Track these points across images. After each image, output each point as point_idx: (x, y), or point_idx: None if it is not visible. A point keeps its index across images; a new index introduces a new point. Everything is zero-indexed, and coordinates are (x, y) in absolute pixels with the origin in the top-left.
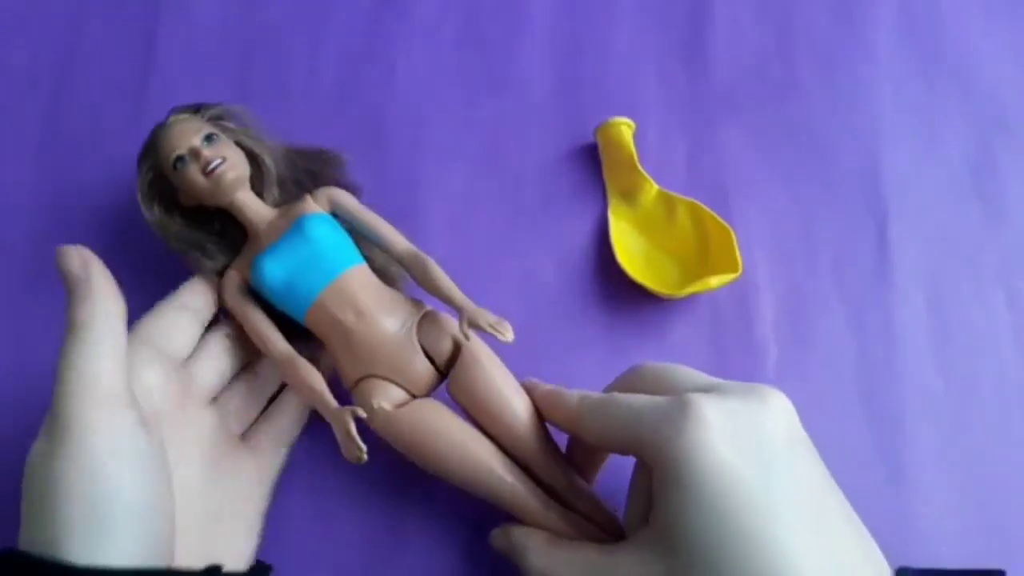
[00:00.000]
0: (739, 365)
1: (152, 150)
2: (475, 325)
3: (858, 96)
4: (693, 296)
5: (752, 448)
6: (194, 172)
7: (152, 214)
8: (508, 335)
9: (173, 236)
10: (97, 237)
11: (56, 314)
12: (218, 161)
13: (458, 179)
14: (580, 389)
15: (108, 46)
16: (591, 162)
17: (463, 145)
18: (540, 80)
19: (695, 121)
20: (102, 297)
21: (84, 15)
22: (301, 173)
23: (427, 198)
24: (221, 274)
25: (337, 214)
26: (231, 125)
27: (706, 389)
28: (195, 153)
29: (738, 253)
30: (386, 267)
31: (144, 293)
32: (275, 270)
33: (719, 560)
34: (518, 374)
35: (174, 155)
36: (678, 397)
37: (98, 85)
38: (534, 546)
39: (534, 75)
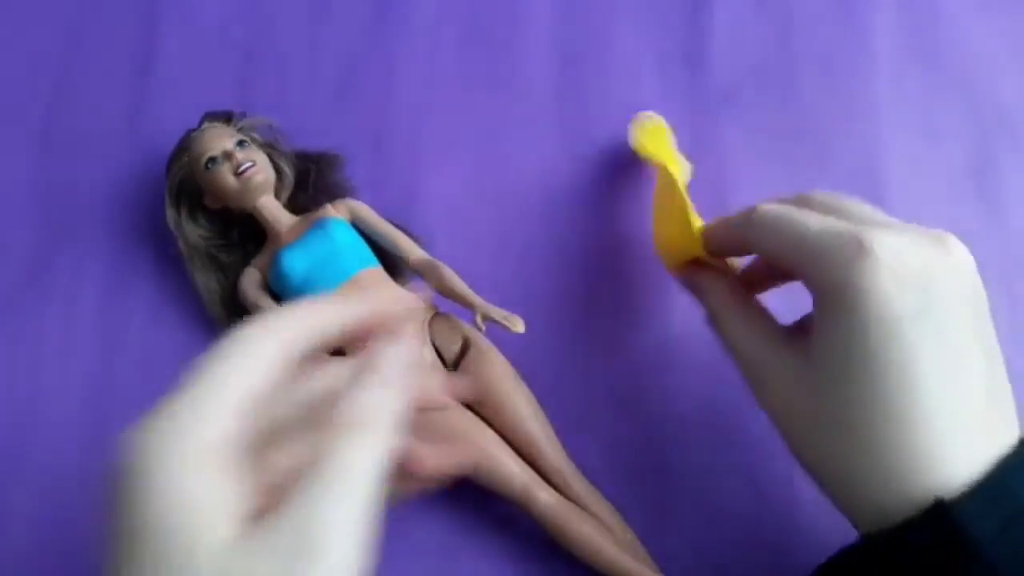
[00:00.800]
0: None
1: (184, 151)
2: (488, 318)
3: (858, 96)
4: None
5: (914, 290)
6: (226, 172)
7: (175, 215)
8: (519, 327)
9: (189, 239)
10: (97, 237)
11: (55, 312)
12: (249, 164)
13: (458, 179)
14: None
15: (108, 46)
16: (591, 162)
17: (463, 146)
18: (540, 80)
19: (695, 121)
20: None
21: (84, 15)
22: (305, 176)
23: (427, 198)
24: (221, 286)
25: (356, 224)
26: (257, 136)
27: (883, 224)
28: (228, 155)
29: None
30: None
31: (141, 294)
32: (297, 263)
33: (854, 387)
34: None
35: (207, 156)
36: (854, 227)
37: (98, 85)
38: (716, 289)
39: (534, 75)
